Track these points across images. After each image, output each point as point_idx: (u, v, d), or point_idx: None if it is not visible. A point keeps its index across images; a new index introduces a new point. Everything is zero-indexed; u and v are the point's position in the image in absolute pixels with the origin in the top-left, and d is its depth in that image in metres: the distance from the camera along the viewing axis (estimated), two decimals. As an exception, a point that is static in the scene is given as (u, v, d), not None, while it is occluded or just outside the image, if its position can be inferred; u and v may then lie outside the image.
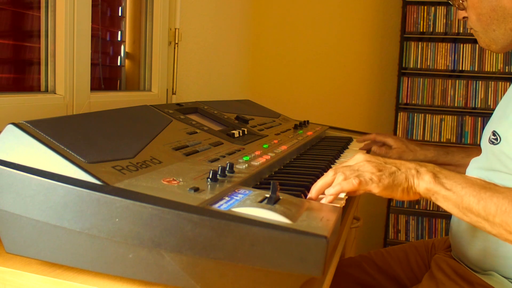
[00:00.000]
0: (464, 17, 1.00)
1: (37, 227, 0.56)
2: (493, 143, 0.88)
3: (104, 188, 0.54)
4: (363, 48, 2.56)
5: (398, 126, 2.37)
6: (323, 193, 0.72)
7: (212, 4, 1.92)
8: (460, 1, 0.98)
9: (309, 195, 0.72)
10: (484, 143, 0.95)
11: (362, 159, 0.75)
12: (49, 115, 0.73)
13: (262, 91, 2.63)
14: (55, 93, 1.11)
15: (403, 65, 2.33)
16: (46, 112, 1.04)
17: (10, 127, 0.59)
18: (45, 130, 0.60)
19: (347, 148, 1.38)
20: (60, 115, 0.77)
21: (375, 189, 0.71)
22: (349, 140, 1.51)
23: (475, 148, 1.31)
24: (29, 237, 0.57)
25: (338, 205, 0.67)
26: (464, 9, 0.99)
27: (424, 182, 0.72)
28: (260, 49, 2.64)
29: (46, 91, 1.11)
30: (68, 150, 0.59)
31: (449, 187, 0.71)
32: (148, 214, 0.52)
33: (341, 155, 1.21)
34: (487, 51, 2.25)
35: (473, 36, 1.02)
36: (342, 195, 0.72)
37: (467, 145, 2.14)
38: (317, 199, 0.71)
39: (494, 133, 0.89)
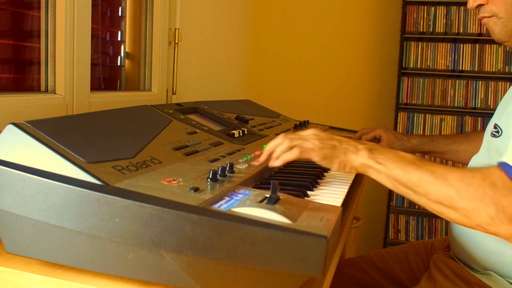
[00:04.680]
0: (478, 5, 0.91)
1: (37, 227, 0.56)
2: (494, 136, 0.89)
3: (104, 188, 0.54)
4: (363, 48, 2.55)
5: (398, 126, 2.36)
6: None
7: (212, 4, 1.92)
8: None
9: (259, 158, 0.83)
10: (486, 137, 0.95)
11: (312, 132, 0.83)
12: (49, 115, 0.73)
13: (262, 91, 2.62)
14: (55, 93, 1.11)
15: (403, 65, 2.33)
16: (46, 112, 1.04)
17: (10, 127, 0.59)
18: (45, 130, 0.60)
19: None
20: (60, 115, 0.77)
21: (315, 157, 0.78)
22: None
23: (460, 135, 1.32)
24: (29, 237, 0.57)
25: (341, 199, 0.73)
26: None
27: (359, 157, 0.78)
28: (260, 49, 2.64)
29: (46, 91, 1.11)
30: (68, 150, 0.59)
31: (381, 161, 0.77)
32: (148, 214, 0.52)
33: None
34: (487, 51, 2.25)
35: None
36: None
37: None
38: (266, 160, 0.82)
39: (495, 126, 0.89)
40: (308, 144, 0.79)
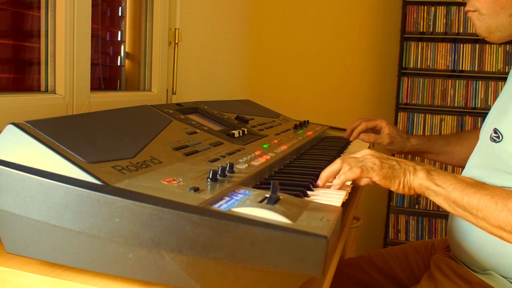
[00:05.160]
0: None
1: (37, 227, 0.56)
2: (494, 141, 0.88)
3: (104, 188, 0.54)
4: (363, 48, 2.56)
5: (398, 126, 2.36)
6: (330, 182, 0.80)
7: (212, 4, 1.92)
8: None
9: (318, 182, 0.81)
10: (485, 141, 0.94)
11: (368, 152, 0.83)
12: (49, 115, 0.73)
13: (262, 91, 2.63)
14: (55, 93, 1.11)
15: (403, 65, 2.33)
16: (46, 112, 1.04)
17: (10, 127, 0.59)
18: (45, 130, 0.60)
19: (347, 148, 1.38)
20: (60, 115, 0.77)
21: (375, 176, 0.78)
22: (349, 140, 1.51)
23: (454, 136, 1.31)
24: (29, 237, 0.57)
25: (341, 199, 0.72)
26: None
27: (418, 178, 0.78)
28: (260, 49, 2.64)
29: (46, 91, 1.11)
30: (68, 150, 0.59)
31: (439, 183, 0.77)
32: (148, 214, 0.52)
33: (341, 155, 1.21)
34: (487, 51, 2.25)
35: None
36: (348, 183, 0.80)
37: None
38: (325, 186, 0.81)
39: (495, 131, 0.88)
40: (368, 164, 0.79)
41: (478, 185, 0.75)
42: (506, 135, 0.85)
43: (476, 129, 1.30)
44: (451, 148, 1.26)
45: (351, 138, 1.30)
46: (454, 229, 0.98)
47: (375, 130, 1.30)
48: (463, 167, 1.43)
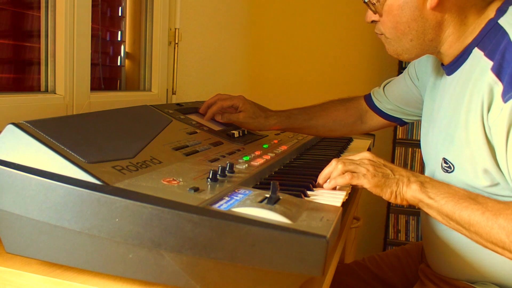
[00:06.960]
0: (373, 21, 0.91)
1: (37, 227, 0.56)
2: (447, 171, 0.86)
3: (104, 188, 0.54)
4: (363, 47, 2.55)
5: (397, 126, 2.36)
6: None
7: (212, 4, 1.92)
8: (378, 4, 0.86)
9: (317, 182, 0.82)
10: (437, 170, 0.91)
11: (366, 156, 0.82)
12: (49, 115, 0.73)
13: (262, 91, 2.63)
14: (55, 93, 1.11)
15: (403, 65, 2.33)
16: (46, 112, 1.04)
17: (10, 127, 0.59)
18: (45, 130, 0.60)
19: (347, 148, 1.38)
20: (60, 115, 0.77)
21: (366, 184, 0.77)
22: (349, 140, 1.51)
23: (317, 108, 1.25)
24: (29, 237, 0.57)
25: (341, 199, 0.72)
26: (380, 14, 0.88)
27: (411, 190, 0.77)
28: (260, 49, 2.64)
29: (46, 91, 1.11)
30: (68, 150, 0.59)
31: (432, 196, 0.76)
32: (148, 214, 0.52)
33: (341, 155, 1.21)
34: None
35: None
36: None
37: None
38: (323, 185, 0.81)
39: (445, 161, 0.86)
40: (361, 170, 0.78)
41: (471, 198, 0.74)
42: (457, 165, 0.83)
43: (340, 99, 1.28)
44: (314, 122, 1.22)
45: (205, 118, 1.13)
46: (430, 253, 0.96)
47: (234, 108, 1.16)
48: (331, 137, 1.43)
